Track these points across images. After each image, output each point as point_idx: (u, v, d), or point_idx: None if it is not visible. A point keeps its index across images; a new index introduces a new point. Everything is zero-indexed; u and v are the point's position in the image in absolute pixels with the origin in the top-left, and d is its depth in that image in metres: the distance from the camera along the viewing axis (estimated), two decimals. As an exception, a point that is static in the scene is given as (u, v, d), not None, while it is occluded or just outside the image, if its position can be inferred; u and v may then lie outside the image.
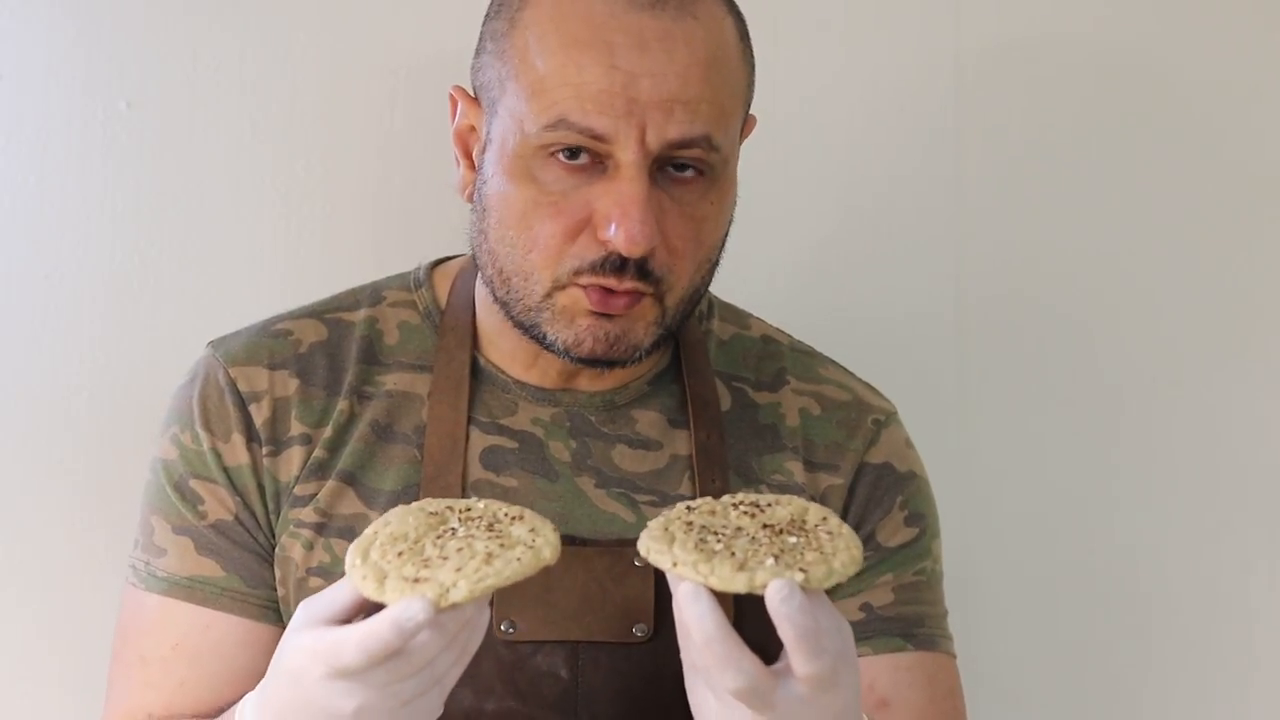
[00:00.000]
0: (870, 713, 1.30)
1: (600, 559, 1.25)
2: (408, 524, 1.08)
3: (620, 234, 1.18)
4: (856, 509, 1.34)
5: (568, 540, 1.26)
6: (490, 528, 1.07)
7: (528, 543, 1.05)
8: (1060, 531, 1.72)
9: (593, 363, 1.25)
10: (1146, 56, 1.73)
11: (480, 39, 1.28)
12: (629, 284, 1.20)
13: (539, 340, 1.25)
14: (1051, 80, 1.72)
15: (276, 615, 1.29)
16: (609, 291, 1.21)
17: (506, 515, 1.09)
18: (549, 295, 1.22)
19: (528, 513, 1.09)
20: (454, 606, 1.01)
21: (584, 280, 1.21)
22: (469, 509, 1.10)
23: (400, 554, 1.05)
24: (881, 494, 1.35)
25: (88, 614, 1.59)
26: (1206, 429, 1.73)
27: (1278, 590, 1.73)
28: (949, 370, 1.72)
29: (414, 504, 1.11)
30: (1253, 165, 1.74)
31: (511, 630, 1.24)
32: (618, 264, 1.19)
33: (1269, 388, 1.73)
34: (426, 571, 1.02)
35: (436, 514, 1.10)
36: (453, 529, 1.08)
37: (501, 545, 1.05)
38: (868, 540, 1.33)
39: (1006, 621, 1.71)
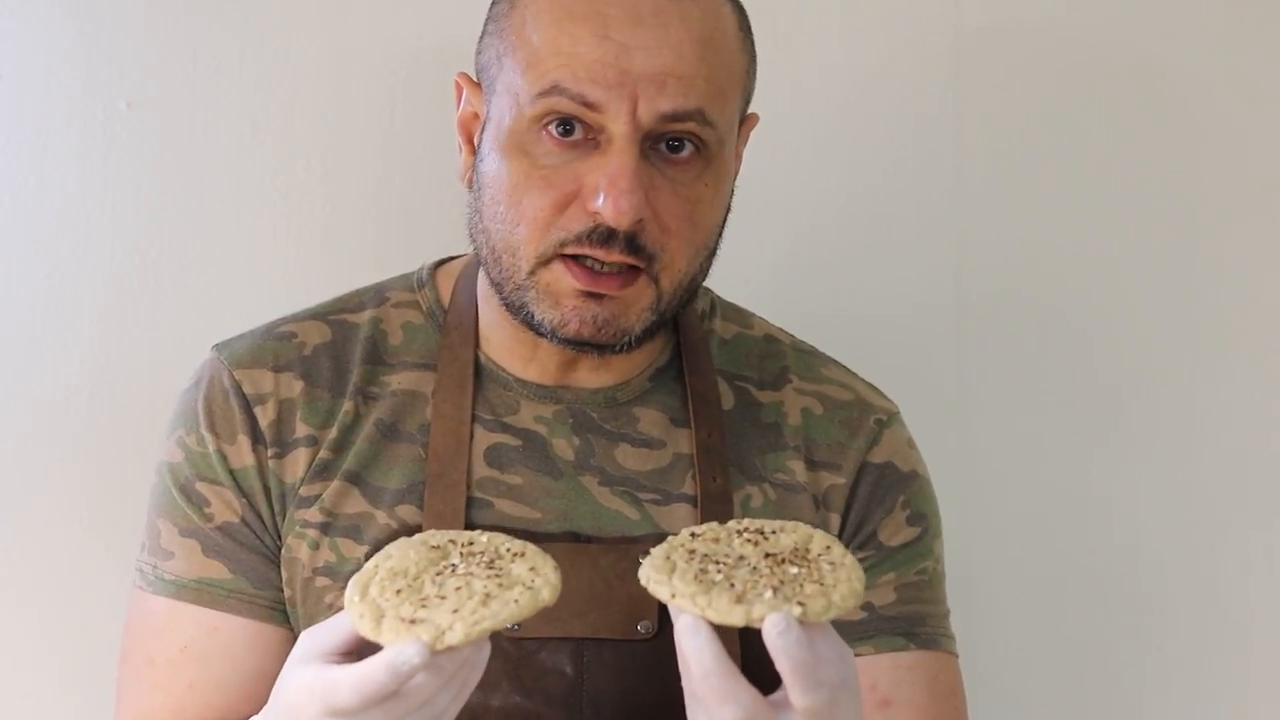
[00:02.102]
0: (872, 712, 1.30)
1: (604, 556, 1.26)
2: (409, 559, 1.08)
3: (608, 204, 1.18)
4: (858, 508, 1.34)
5: (571, 538, 1.27)
6: (491, 564, 1.07)
7: (526, 583, 1.05)
8: (1060, 531, 1.72)
9: (580, 345, 1.25)
10: (1151, 44, 1.72)
11: (484, 23, 1.29)
12: (617, 256, 1.20)
13: (528, 322, 1.25)
14: (1053, 66, 1.72)
15: (284, 617, 1.29)
16: (596, 270, 1.21)
17: (509, 551, 1.09)
18: (533, 272, 1.23)
19: (530, 548, 1.09)
20: (450, 649, 1.01)
21: (569, 250, 1.21)
22: (471, 543, 1.10)
23: (398, 591, 1.05)
24: (883, 493, 1.35)
25: (88, 613, 1.59)
26: (1207, 428, 1.73)
27: (1277, 590, 1.73)
28: (949, 368, 1.72)
29: (416, 536, 1.11)
30: (1258, 155, 1.73)
31: (516, 627, 1.23)
32: (605, 235, 1.20)
33: (1270, 387, 1.73)
34: (423, 612, 1.02)
35: (438, 548, 1.10)
36: (453, 565, 1.07)
37: (500, 585, 1.05)
38: (869, 539, 1.34)
39: (1007, 621, 1.71)
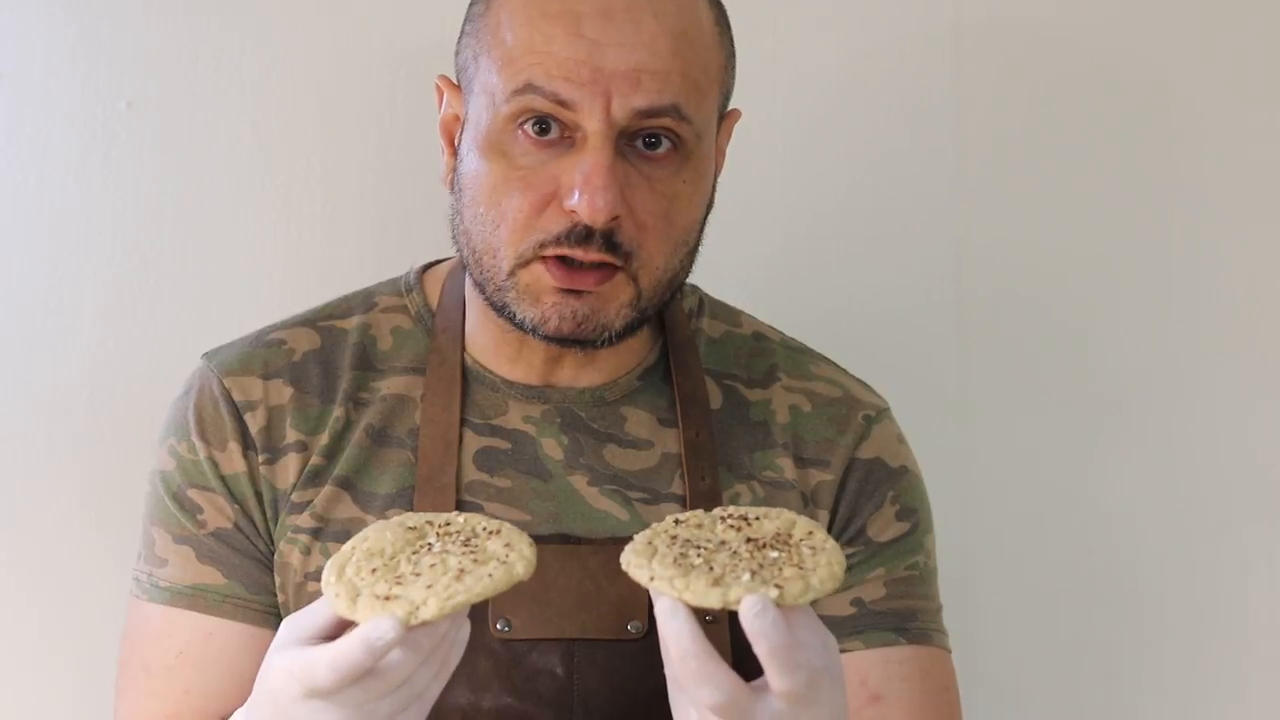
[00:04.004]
0: (862, 708, 1.30)
1: (594, 557, 1.26)
2: (385, 540, 1.09)
3: (583, 201, 1.19)
4: (847, 504, 1.34)
5: (561, 539, 1.27)
6: (466, 543, 1.07)
7: (501, 558, 1.05)
8: (1059, 530, 1.72)
9: (561, 341, 1.25)
10: (1152, 41, 1.72)
11: (462, 23, 1.30)
12: (595, 254, 1.21)
13: (511, 320, 1.26)
14: (1054, 63, 1.71)
15: (278, 621, 1.29)
16: (574, 267, 1.22)
17: (484, 530, 1.09)
18: (512, 273, 1.23)
19: (505, 526, 1.09)
20: (424, 624, 1.02)
21: (548, 252, 1.22)
22: (448, 524, 1.10)
23: (374, 571, 1.05)
24: (872, 489, 1.35)
25: (88, 613, 1.60)
26: (1206, 427, 1.72)
27: (1276, 590, 1.73)
28: (949, 368, 1.72)
29: (393, 519, 1.11)
30: (1260, 154, 1.72)
31: (507, 628, 1.24)
32: (583, 234, 1.20)
33: (1270, 387, 1.73)
34: (398, 589, 1.03)
35: (415, 529, 1.10)
36: (429, 544, 1.08)
37: (475, 561, 1.05)
38: (859, 535, 1.34)
39: (1005, 620, 1.71)
